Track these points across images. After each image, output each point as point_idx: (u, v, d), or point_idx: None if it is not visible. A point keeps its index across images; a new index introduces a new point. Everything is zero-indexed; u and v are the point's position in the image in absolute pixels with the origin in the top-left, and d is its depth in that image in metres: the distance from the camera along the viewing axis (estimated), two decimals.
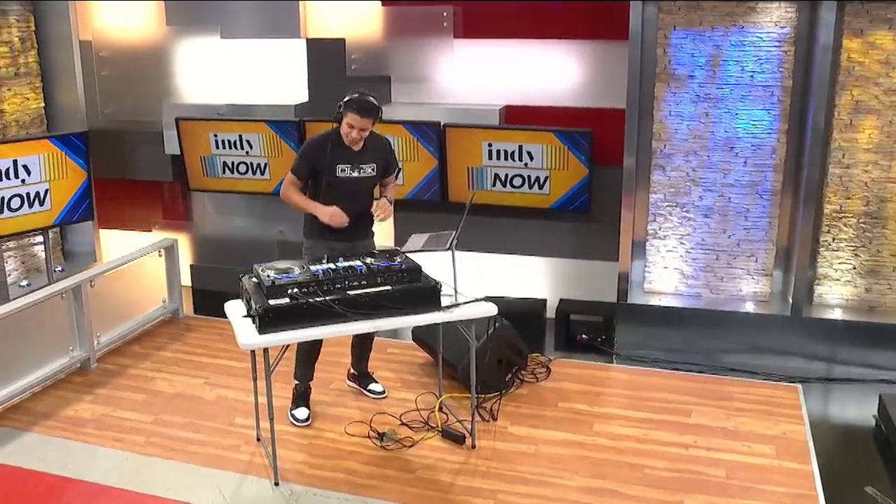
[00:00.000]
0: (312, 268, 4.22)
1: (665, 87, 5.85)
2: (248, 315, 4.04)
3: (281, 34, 6.63)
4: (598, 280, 6.33)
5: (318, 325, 4.00)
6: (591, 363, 5.63)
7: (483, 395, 4.93)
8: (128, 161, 7.25)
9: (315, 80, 6.64)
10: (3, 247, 6.42)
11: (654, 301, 6.18)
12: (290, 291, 4.01)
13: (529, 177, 6.18)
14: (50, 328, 5.29)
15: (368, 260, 4.32)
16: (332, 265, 4.26)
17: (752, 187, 5.85)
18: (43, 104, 6.93)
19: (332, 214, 4.49)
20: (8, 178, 5.73)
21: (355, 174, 4.61)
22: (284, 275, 4.12)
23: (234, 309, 4.26)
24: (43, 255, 7.01)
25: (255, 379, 4.38)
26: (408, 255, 4.33)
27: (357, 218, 4.64)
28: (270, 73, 6.78)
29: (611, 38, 5.96)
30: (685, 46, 5.75)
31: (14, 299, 5.74)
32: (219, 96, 6.86)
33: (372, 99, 4.46)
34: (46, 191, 5.98)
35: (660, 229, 6.13)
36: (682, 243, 6.10)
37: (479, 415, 4.77)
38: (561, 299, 6.35)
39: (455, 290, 4.28)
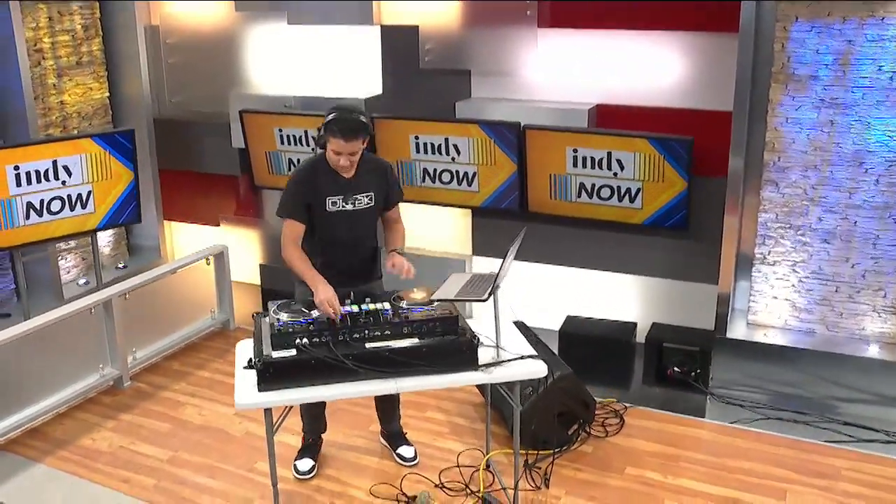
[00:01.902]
0: None
1: (782, 88, 4.95)
2: (248, 366, 3.50)
3: (352, 20, 6.05)
4: (695, 305, 5.52)
5: (329, 382, 3.42)
6: (671, 415, 4.81)
7: (536, 452, 4.27)
8: (196, 153, 6.87)
9: (386, 73, 6.04)
10: (64, 245, 6.19)
11: (759, 335, 5.33)
12: (297, 341, 3.45)
13: (619, 188, 5.40)
14: (79, 344, 4.94)
15: (402, 304, 3.70)
16: (355, 307, 3.67)
17: (883, 210, 4.89)
18: (107, 94, 6.62)
19: (326, 302, 3.62)
20: (47, 179, 5.38)
21: (349, 207, 3.92)
22: (298, 319, 3.57)
23: (245, 352, 3.73)
24: (106, 251, 6.78)
25: (268, 431, 3.81)
26: (440, 302, 3.66)
27: (360, 258, 4.03)
28: (340, 63, 6.22)
29: (718, 29, 5.07)
30: (808, 41, 4.82)
31: (69, 300, 5.49)
32: (287, 87, 6.37)
33: (357, 116, 3.79)
34: (89, 193, 5.62)
35: (769, 254, 5.26)
36: (794, 271, 5.21)
37: (531, 479, 4.11)
38: (653, 323, 5.60)
39: (497, 345, 3.62)
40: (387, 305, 3.68)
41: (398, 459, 4.40)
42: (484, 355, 3.57)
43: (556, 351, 5.46)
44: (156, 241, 7.00)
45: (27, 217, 5.36)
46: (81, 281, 6.39)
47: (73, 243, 6.15)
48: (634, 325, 5.69)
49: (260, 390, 3.38)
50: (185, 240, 7.15)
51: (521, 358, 3.58)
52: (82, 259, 6.48)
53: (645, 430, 4.65)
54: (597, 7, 5.38)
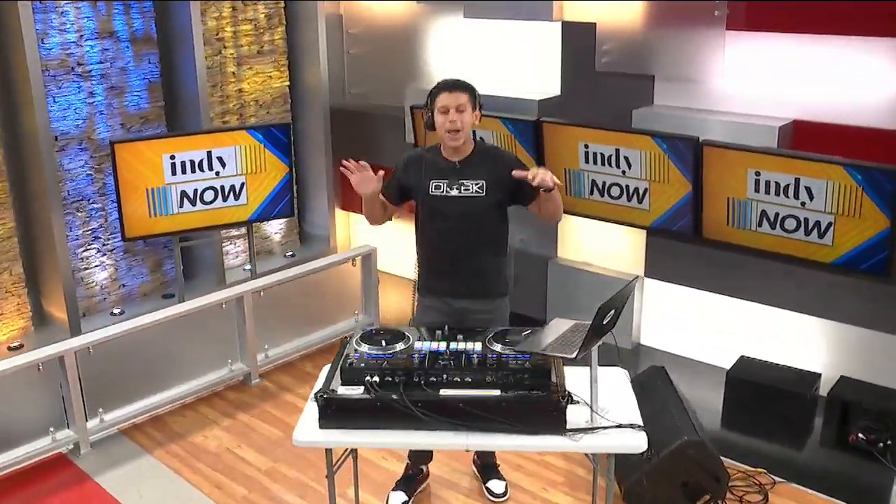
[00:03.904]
0: (417, 345, 3.33)
1: None
2: (315, 398, 3.26)
3: (530, 15, 5.63)
4: (893, 361, 4.69)
5: (395, 429, 3.10)
6: (823, 498, 4.06)
7: None
8: (372, 145, 6.76)
9: (565, 73, 5.59)
10: (235, 231, 6.30)
11: None
12: (367, 379, 3.17)
13: (807, 220, 4.62)
14: (213, 337, 4.99)
15: (496, 346, 3.30)
16: (443, 344, 3.32)
17: None
18: (287, 83, 6.65)
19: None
20: (201, 169, 5.46)
21: (454, 192, 3.56)
22: (377, 352, 3.28)
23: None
24: (276, 237, 6.85)
25: (328, 473, 3.35)
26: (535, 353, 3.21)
27: (470, 264, 3.65)
28: (516, 61, 5.86)
29: None
30: None
31: (230, 285, 5.58)
32: None
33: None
34: (242, 184, 5.65)
35: None
36: None
37: None
38: (841, 377, 4.82)
39: (591, 407, 3.13)
40: (477, 346, 3.30)
41: (487, 494, 4.07)
42: (578, 416, 3.11)
43: (722, 395, 4.91)
44: (326, 231, 6.99)
45: (181, 205, 5.47)
46: (247, 267, 6.49)
47: (243, 229, 6.24)
48: (818, 375, 4.93)
49: (320, 427, 3.14)
50: (361, 229, 7.10)
51: (618, 426, 3.08)
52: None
53: None
54: (797, 8, 4.62)
